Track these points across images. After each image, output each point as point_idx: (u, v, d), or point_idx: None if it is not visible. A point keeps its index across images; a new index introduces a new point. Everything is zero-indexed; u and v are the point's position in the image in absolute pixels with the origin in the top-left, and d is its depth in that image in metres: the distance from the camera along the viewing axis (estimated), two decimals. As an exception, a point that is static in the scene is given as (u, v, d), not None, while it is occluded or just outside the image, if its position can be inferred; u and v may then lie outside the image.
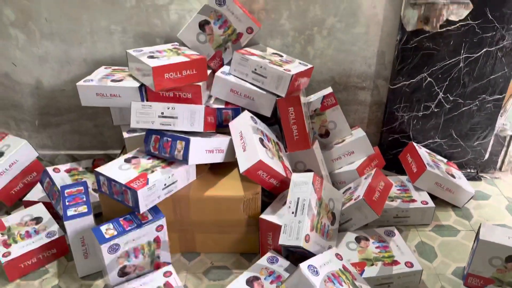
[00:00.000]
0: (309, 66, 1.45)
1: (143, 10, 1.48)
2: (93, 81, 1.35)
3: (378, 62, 1.57)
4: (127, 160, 1.23)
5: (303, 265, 0.99)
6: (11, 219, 1.38)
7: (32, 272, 1.28)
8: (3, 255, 1.24)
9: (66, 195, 1.26)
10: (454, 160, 1.69)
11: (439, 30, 1.44)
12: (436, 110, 1.59)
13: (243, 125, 1.30)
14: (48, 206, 1.43)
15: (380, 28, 1.50)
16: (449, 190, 1.50)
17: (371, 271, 1.17)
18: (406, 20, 1.44)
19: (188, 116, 1.23)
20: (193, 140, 1.18)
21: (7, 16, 1.50)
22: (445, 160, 1.65)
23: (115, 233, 1.12)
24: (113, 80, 1.35)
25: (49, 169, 1.47)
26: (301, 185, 1.18)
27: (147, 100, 1.33)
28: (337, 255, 1.11)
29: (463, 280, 1.23)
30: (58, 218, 1.39)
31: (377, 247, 1.26)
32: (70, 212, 1.19)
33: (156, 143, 1.23)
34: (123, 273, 1.18)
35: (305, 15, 1.49)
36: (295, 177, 1.22)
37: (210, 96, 1.44)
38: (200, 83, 1.33)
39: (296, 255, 1.19)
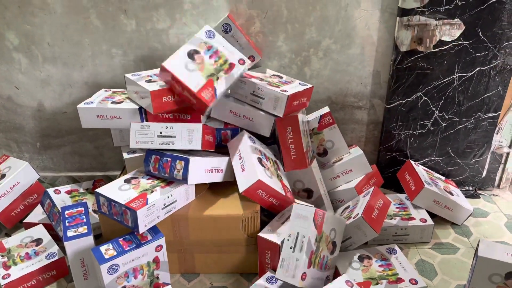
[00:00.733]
0: (309, 86, 1.42)
1: (144, 34, 1.52)
2: (94, 103, 1.37)
3: (374, 81, 1.60)
4: (127, 181, 1.24)
5: None
6: (12, 241, 1.38)
7: (32, 294, 1.28)
8: (3, 277, 1.24)
9: (66, 216, 1.26)
10: (452, 177, 1.70)
11: (432, 50, 1.47)
12: (432, 129, 1.61)
13: (241, 145, 1.31)
14: (49, 228, 1.44)
15: (374, 48, 1.54)
16: (448, 208, 1.50)
17: (375, 290, 1.17)
18: (400, 41, 1.47)
19: (186, 134, 1.24)
20: (193, 159, 1.19)
21: (10, 40, 1.53)
22: (443, 178, 1.66)
23: (115, 253, 1.13)
24: (113, 102, 1.37)
25: (50, 191, 1.48)
26: (302, 219, 1.14)
27: (146, 121, 1.35)
28: (347, 281, 1.10)
29: (464, 298, 1.23)
30: (58, 239, 1.39)
31: (380, 265, 1.26)
32: (70, 233, 1.20)
33: (156, 163, 1.24)
34: (122, 294, 1.17)
35: (302, 37, 1.52)
36: (297, 209, 1.15)
37: (209, 117, 1.46)
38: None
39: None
